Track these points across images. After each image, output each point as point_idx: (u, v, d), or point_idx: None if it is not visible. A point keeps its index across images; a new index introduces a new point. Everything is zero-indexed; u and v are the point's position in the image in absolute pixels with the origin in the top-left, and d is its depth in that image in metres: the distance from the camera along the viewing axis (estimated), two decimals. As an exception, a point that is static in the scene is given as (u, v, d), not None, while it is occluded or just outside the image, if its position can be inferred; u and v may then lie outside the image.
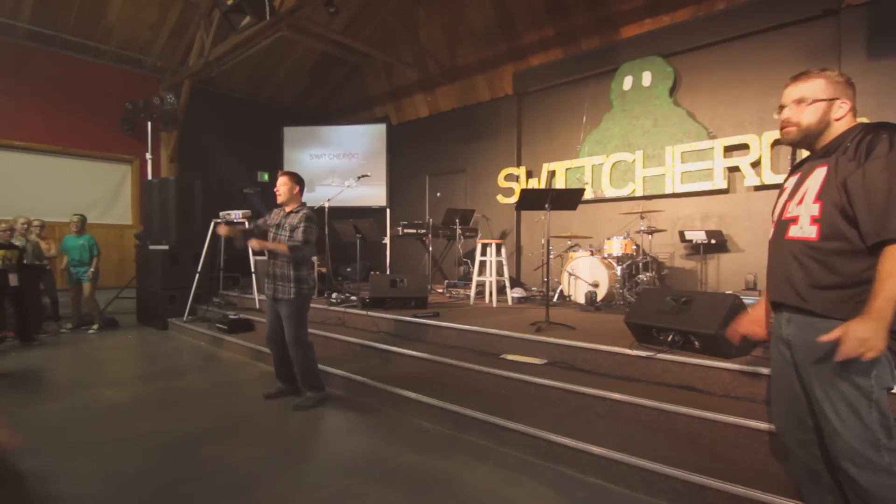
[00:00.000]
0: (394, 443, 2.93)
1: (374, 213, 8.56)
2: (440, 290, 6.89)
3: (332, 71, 10.10)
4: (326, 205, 6.41)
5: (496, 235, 7.97)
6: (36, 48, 7.57)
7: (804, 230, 1.54)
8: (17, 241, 6.00)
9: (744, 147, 5.76)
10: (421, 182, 9.37)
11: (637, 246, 5.91)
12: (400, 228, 7.61)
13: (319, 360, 3.72)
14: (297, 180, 3.64)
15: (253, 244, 3.43)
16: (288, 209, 3.59)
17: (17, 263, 5.65)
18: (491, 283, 5.69)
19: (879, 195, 1.37)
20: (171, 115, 8.14)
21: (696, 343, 3.00)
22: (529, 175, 7.76)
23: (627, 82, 6.73)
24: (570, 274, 5.66)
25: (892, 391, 1.51)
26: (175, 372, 4.76)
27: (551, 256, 5.71)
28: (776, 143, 5.51)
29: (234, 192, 8.41)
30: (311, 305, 3.76)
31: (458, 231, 7.05)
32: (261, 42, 7.11)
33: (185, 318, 6.79)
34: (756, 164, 5.65)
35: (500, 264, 5.69)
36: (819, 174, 1.53)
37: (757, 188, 5.69)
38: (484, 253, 5.67)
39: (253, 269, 6.85)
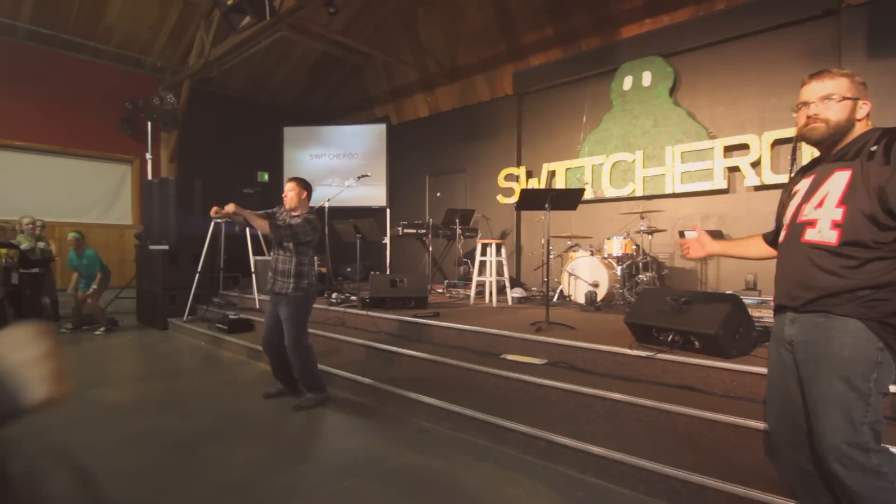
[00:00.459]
0: (394, 443, 2.93)
1: (374, 213, 8.56)
2: (440, 290, 6.89)
3: (332, 71, 10.10)
4: (326, 205, 6.41)
5: (496, 235, 7.97)
6: (36, 48, 7.57)
7: (823, 234, 1.51)
8: (24, 241, 6.00)
9: (744, 147, 5.76)
10: (421, 182, 9.37)
11: (637, 246, 5.91)
12: (400, 228, 7.62)
13: (319, 359, 3.71)
14: (305, 186, 3.62)
15: (229, 208, 3.34)
16: (294, 214, 3.57)
17: (17, 262, 5.65)
18: (491, 283, 5.69)
19: None
20: (171, 115, 8.14)
21: (696, 343, 3.00)
22: (529, 175, 7.76)
23: (627, 82, 6.73)
24: (570, 274, 5.66)
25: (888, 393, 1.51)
26: (175, 372, 4.76)
27: (551, 256, 5.70)
28: (776, 143, 5.51)
29: (234, 192, 8.41)
30: (312, 306, 3.75)
31: (458, 231, 7.06)
32: (261, 42, 7.12)
33: (185, 318, 6.79)
34: (756, 164, 5.65)
35: (500, 264, 5.69)
36: (840, 178, 1.50)
37: (757, 188, 5.69)
38: (484, 253, 5.67)
39: (253, 269, 6.85)
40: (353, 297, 5.70)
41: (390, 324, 4.80)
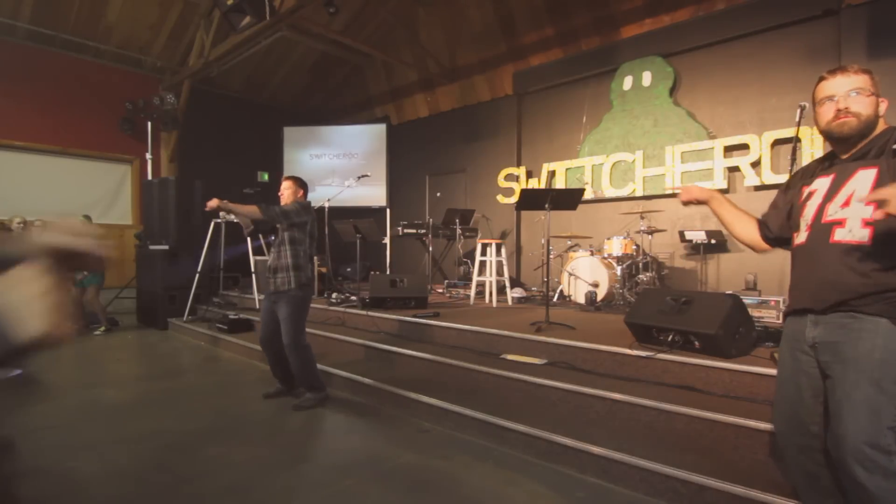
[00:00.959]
0: (394, 443, 2.93)
1: (374, 213, 8.56)
2: (440, 290, 6.89)
3: (332, 71, 10.10)
4: (326, 205, 6.42)
5: (496, 235, 7.97)
6: (36, 48, 7.57)
7: (854, 233, 1.47)
8: None
9: (744, 147, 5.76)
10: (421, 182, 9.37)
11: (637, 246, 5.91)
12: (400, 228, 7.61)
13: (319, 360, 3.71)
14: (301, 184, 3.65)
15: (212, 203, 3.32)
16: None
17: None
18: (491, 283, 5.69)
19: None
20: (171, 115, 8.13)
21: (696, 343, 3.00)
22: (529, 175, 7.76)
23: (627, 82, 6.73)
24: (570, 274, 5.66)
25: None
26: (175, 372, 4.76)
27: (551, 256, 5.70)
28: (776, 143, 5.51)
29: (234, 193, 8.41)
30: (312, 306, 3.76)
31: (458, 231, 7.06)
32: (261, 42, 7.11)
33: (185, 318, 6.79)
34: (756, 164, 5.65)
35: (500, 264, 5.69)
36: (866, 176, 1.48)
37: (757, 188, 5.69)
38: (484, 253, 5.67)
39: (253, 269, 6.85)
40: (353, 297, 5.70)
41: (390, 324, 4.80)
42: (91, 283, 6.46)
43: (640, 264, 5.73)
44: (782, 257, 5.17)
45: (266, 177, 9.35)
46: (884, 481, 1.37)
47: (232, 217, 6.82)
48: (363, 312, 5.07)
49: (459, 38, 8.40)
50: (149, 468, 2.59)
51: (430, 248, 7.57)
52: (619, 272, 5.49)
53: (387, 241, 8.16)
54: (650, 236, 6.01)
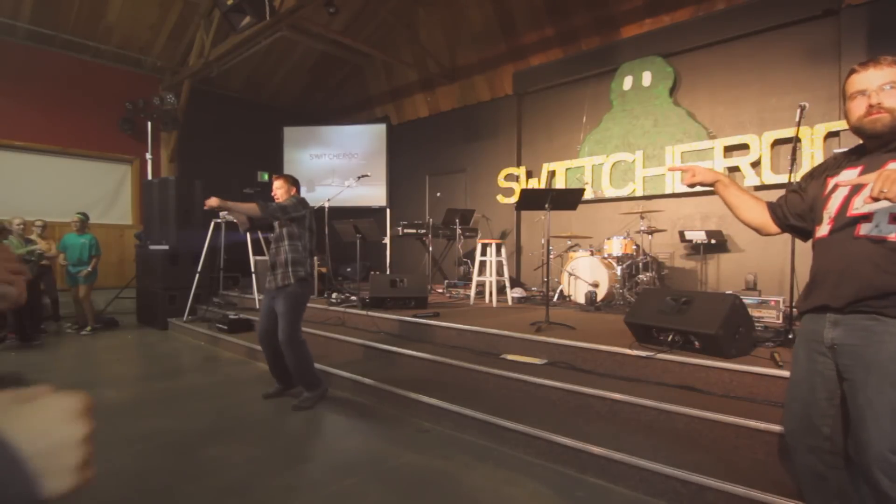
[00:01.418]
0: (394, 443, 2.93)
1: (374, 213, 8.56)
2: (440, 290, 6.89)
3: (332, 71, 10.10)
4: (326, 205, 6.41)
5: (496, 235, 7.97)
6: (36, 48, 7.57)
7: (882, 228, 1.41)
8: (16, 242, 5.99)
9: (744, 147, 5.76)
10: (421, 182, 9.37)
11: (637, 246, 5.91)
12: (400, 228, 7.62)
13: (319, 360, 3.72)
14: (292, 181, 3.68)
15: (211, 202, 3.30)
16: None
17: None
18: (491, 283, 5.69)
19: None
20: (171, 115, 8.14)
21: (696, 343, 3.00)
22: (529, 175, 7.76)
23: (627, 82, 6.73)
24: (570, 274, 5.66)
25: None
26: (175, 372, 4.76)
27: (551, 256, 5.70)
28: (776, 143, 5.51)
29: (234, 193, 8.41)
30: (311, 305, 3.76)
31: (458, 231, 7.05)
32: (261, 42, 7.11)
33: (185, 318, 6.79)
34: (756, 164, 5.65)
35: (500, 264, 5.69)
36: None
37: (757, 188, 5.68)
38: (484, 253, 5.67)
39: (253, 269, 6.85)
40: (353, 297, 5.70)
41: (390, 324, 4.80)
42: (86, 282, 6.43)
43: (640, 264, 5.73)
44: (782, 257, 5.18)
45: (266, 177, 9.35)
46: None
47: (232, 216, 6.83)
48: (363, 312, 5.07)
49: (459, 38, 8.40)
50: (149, 468, 2.59)
51: (430, 248, 7.57)
52: (619, 272, 5.49)
53: (387, 241, 8.16)
54: (650, 236, 6.01)
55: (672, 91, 6.38)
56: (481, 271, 5.79)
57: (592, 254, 5.55)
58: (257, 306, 6.56)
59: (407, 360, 4.04)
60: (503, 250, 5.76)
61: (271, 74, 9.68)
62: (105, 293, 7.48)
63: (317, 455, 2.86)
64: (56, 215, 7.45)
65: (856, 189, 1.48)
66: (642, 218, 5.84)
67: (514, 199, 7.59)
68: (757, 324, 3.59)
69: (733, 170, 5.84)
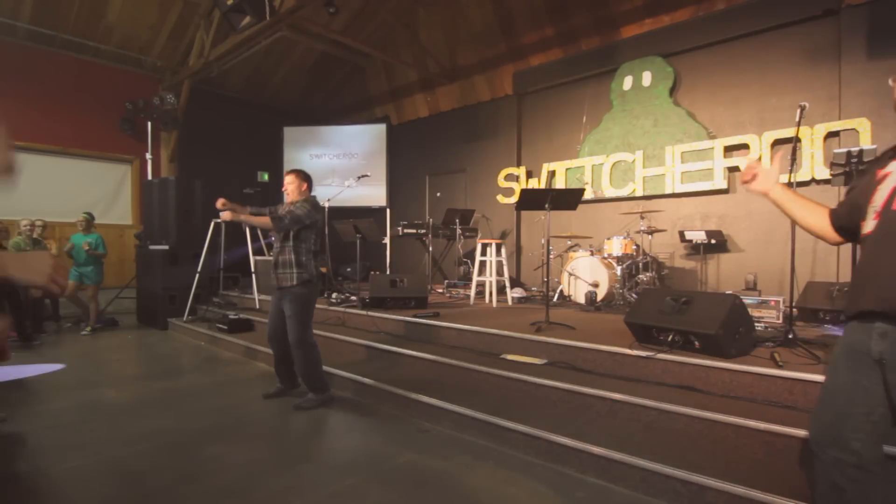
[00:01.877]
0: (394, 443, 2.93)
1: (374, 213, 8.56)
2: (440, 290, 6.89)
3: (332, 71, 10.10)
4: (326, 205, 6.39)
5: (496, 235, 7.97)
6: (36, 48, 7.57)
7: None
8: (22, 243, 5.99)
9: (744, 147, 5.76)
10: (421, 182, 9.37)
11: (637, 246, 5.91)
12: (400, 228, 7.62)
13: (319, 360, 3.71)
14: (304, 177, 3.59)
15: (225, 216, 3.32)
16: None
17: None
18: (491, 283, 5.69)
19: None
20: (171, 115, 8.14)
21: (696, 343, 3.00)
22: (529, 175, 7.76)
23: (627, 82, 6.73)
24: (570, 274, 5.66)
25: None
26: (175, 372, 4.76)
27: (551, 256, 5.70)
28: (776, 143, 5.51)
29: (234, 192, 8.40)
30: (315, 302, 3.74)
31: (458, 231, 7.05)
32: (261, 42, 7.11)
33: (185, 318, 6.79)
34: (756, 164, 5.64)
35: (500, 264, 5.69)
36: None
37: (757, 188, 5.69)
38: (484, 253, 5.67)
39: (253, 269, 6.85)
40: (353, 297, 5.70)
41: (390, 324, 4.80)
42: (94, 282, 6.44)
43: (640, 264, 5.73)
44: (782, 257, 5.19)
45: (266, 177, 9.35)
46: None
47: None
48: (363, 312, 5.07)
49: (459, 38, 8.40)
50: (149, 468, 2.59)
51: (430, 248, 7.57)
52: (619, 272, 5.49)
53: (387, 241, 8.15)
54: (650, 236, 6.01)
55: (672, 91, 6.38)
56: (481, 271, 5.79)
57: (592, 254, 5.55)
58: (257, 306, 6.57)
59: (407, 361, 4.04)
60: (503, 250, 5.76)
61: (271, 74, 9.68)
62: (105, 293, 7.46)
63: (317, 455, 2.86)
64: (56, 215, 7.45)
65: None
66: (642, 218, 5.84)
67: (514, 199, 7.59)
68: (757, 324, 3.58)
69: (733, 170, 5.84)
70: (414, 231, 7.54)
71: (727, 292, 3.83)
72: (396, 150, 9.50)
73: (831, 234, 1.62)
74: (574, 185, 7.02)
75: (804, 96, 4.94)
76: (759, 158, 5.48)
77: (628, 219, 6.31)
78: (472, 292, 5.87)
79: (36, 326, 6.11)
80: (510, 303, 5.78)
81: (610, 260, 5.60)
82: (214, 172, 8.70)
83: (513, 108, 8.03)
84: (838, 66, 5.20)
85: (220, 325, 5.87)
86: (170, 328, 6.80)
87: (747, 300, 3.86)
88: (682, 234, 5.83)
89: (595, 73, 7.08)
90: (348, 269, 8.56)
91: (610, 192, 6.81)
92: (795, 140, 3.20)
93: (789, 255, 3.31)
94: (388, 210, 8.85)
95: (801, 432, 2.23)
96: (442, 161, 9.08)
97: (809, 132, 5.25)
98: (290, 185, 3.54)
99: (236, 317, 5.96)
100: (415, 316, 4.62)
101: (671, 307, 3.20)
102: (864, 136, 4.92)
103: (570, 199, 4.21)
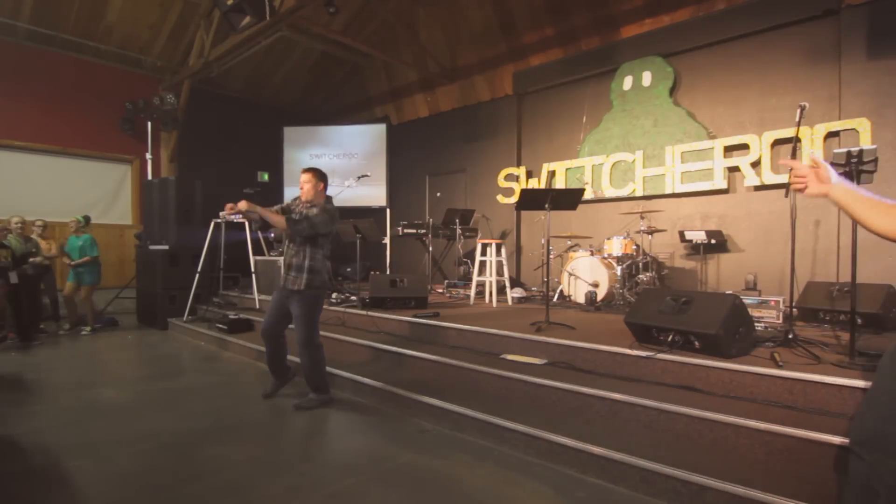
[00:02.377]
0: (394, 443, 2.93)
1: (374, 213, 8.56)
2: (440, 290, 6.89)
3: (332, 71, 10.10)
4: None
5: (496, 235, 7.97)
6: (36, 48, 7.57)
7: None
8: (14, 242, 5.98)
9: (744, 147, 5.76)
10: (421, 182, 9.37)
11: (637, 246, 5.91)
12: (400, 228, 7.62)
13: (319, 359, 3.71)
14: (321, 176, 3.49)
15: (241, 205, 3.26)
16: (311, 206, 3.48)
17: (11, 262, 5.64)
18: (491, 283, 5.69)
19: None
20: (171, 115, 8.14)
21: (696, 343, 3.00)
22: (529, 175, 7.76)
23: (627, 82, 6.73)
24: (570, 274, 5.66)
25: None
26: (175, 372, 4.76)
27: (551, 256, 5.70)
28: (776, 143, 5.51)
29: (234, 192, 8.38)
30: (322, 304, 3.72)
31: (458, 231, 7.06)
32: (261, 42, 7.12)
33: (185, 318, 6.79)
34: (756, 164, 5.65)
35: (500, 264, 5.69)
36: None
37: (757, 188, 5.69)
38: (484, 253, 5.67)
39: (253, 269, 6.85)
40: (353, 297, 5.70)
41: (390, 324, 4.80)
42: (87, 283, 6.43)
43: (640, 264, 5.73)
44: (783, 257, 5.19)
45: (266, 177, 9.33)
46: None
47: (234, 217, 6.81)
48: (363, 312, 5.07)
49: (459, 38, 8.40)
50: (149, 468, 2.59)
51: (430, 248, 7.57)
52: (619, 272, 5.49)
53: (387, 241, 8.16)
54: (650, 236, 6.01)
55: (672, 91, 6.38)
56: (481, 271, 5.79)
57: (592, 254, 5.55)
58: (257, 306, 6.57)
59: (407, 361, 4.04)
60: (503, 250, 5.77)
61: (271, 74, 9.68)
62: (105, 293, 7.48)
63: (317, 455, 2.86)
64: (56, 215, 7.45)
65: None
66: (642, 218, 5.84)
67: (514, 199, 7.59)
68: (757, 324, 3.58)
69: (733, 170, 5.84)
70: (414, 231, 7.55)
71: (727, 292, 3.83)
72: (396, 150, 9.50)
73: None
74: (574, 185, 7.02)
75: (804, 96, 4.94)
76: (683, 235, 5.42)
77: (628, 219, 6.31)
78: (472, 292, 5.87)
79: (36, 326, 6.11)
80: (510, 303, 5.78)
81: (610, 260, 5.60)
82: (214, 172, 8.70)
83: (513, 108, 8.04)
84: (838, 66, 5.20)
85: (220, 325, 5.87)
86: (170, 328, 6.80)
87: (747, 300, 3.86)
88: (682, 234, 5.83)
89: (595, 73, 7.08)
90: (348, 269, 8.57)
91: (610, 192, 6.81)
92: (795, 140, 3.20)
93: (789, 255, 3.31)
94: (388, 210, 8.87)
95: (802, 432, 2.23)
96: (442, 161, 9.08)
97: (809, 132, 5.25)
98: (306, 185, 3.43)
99: (236, 317, 5.96)
100: (415, 316, 4.62)
101: (671, 307, 3.20)
102: (865, 136, 4.92)
103: (570, 199, 4.21)
